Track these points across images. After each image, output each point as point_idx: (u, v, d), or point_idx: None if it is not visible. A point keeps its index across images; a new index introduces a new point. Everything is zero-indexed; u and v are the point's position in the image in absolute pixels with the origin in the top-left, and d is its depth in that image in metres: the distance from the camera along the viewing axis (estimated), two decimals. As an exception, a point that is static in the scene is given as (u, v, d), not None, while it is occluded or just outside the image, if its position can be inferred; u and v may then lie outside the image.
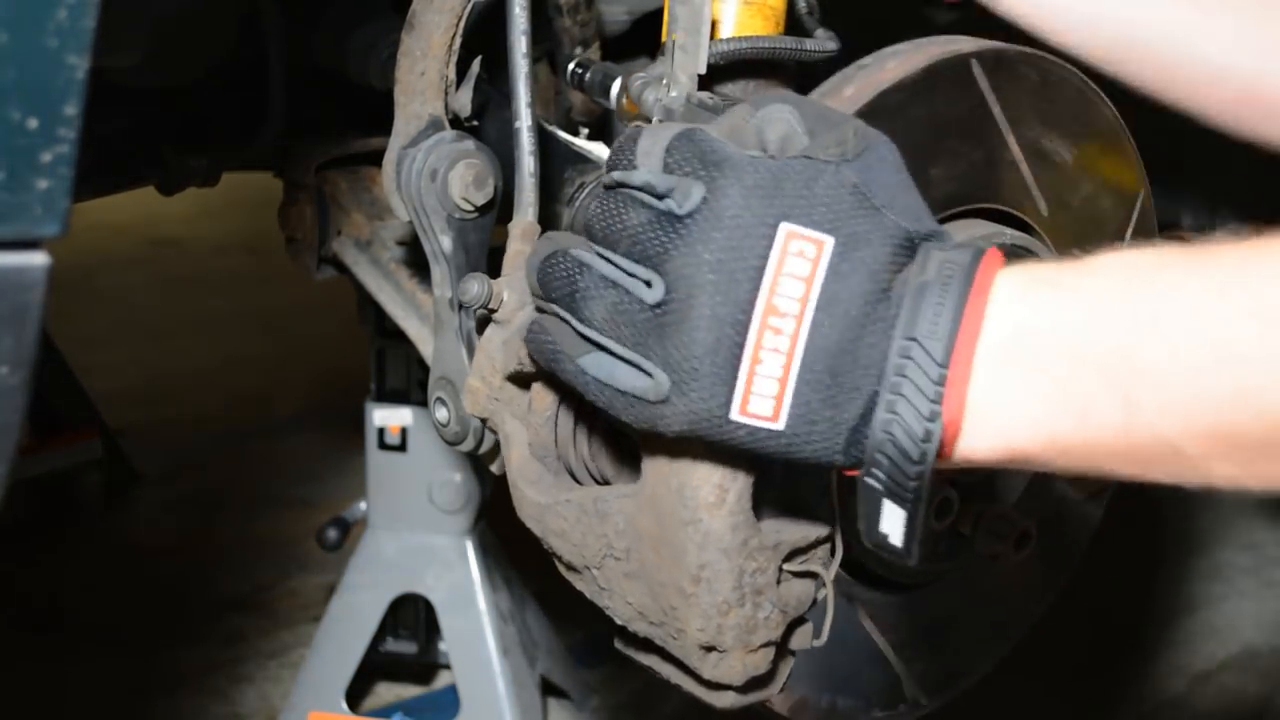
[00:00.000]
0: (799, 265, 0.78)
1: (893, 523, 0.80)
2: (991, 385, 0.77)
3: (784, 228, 0.78)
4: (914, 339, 0.77)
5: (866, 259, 0.79)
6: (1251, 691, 2.52)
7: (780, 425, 0.79)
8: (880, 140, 0.83)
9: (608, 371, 0.84)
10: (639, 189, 0.83)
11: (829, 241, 0.78)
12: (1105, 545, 1.40)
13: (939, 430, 0.76)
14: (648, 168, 0.84)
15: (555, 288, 0.86)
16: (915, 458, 0.77)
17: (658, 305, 0.81)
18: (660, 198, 0.82)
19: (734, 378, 0.79)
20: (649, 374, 0.82)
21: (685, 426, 0.82)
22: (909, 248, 0.80)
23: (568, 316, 0.86)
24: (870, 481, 0.79)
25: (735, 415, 0.80)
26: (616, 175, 0.85)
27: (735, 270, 0.78)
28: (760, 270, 0.78)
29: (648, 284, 0.82)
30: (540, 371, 1.01)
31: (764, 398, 0.79)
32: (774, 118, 0.83)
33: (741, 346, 0.78)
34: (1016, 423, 0.77)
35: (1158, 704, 2.46)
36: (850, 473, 0.82)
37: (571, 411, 1.03)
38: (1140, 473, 0.77)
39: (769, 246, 0.78)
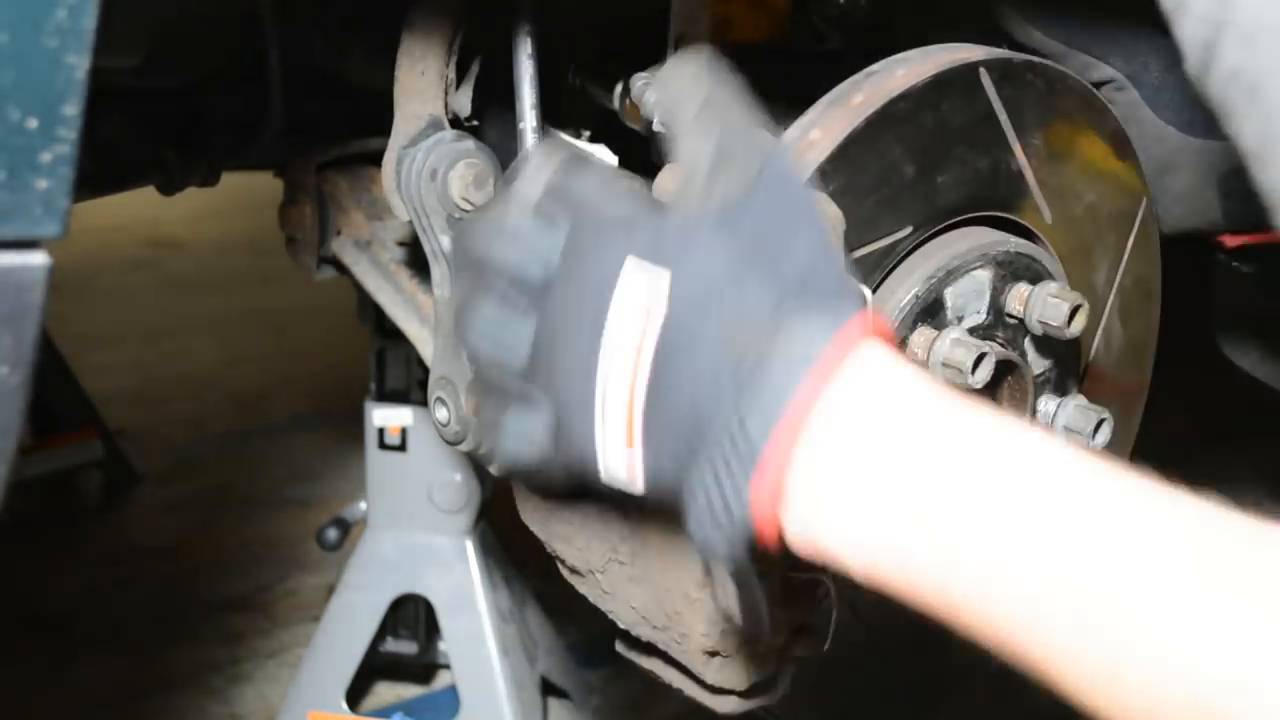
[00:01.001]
0: (636, 302, 0.76)
1: (728, 594, 0.78)
2: (821, 491, 0.72)
3: (628, 264, 0.77)
4: (740, 415, 0.73)
5: (713, 314, 0.75)
6: (1251, 692, 2.51)
7: (639, 471, 0.78)
8: (771, 187, 0.79)
9: (508, 450, 0.83)
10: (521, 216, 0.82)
11: (664, 279, 0.76)
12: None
13: (746, 513, 0.73)
14: (534, 188, 0.83)
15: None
16: (725, 536, 0.74)
17: (535, 351, 0.80)
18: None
19: (592, 413, 0.78)
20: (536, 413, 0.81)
21: (575, 470, 0.81)
22: (773, 304, 0.75)
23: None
24: (695, 544, 0.77)
25: (602, 468, 0.79)
26: (508, 193, 0.84)
27: (584, 307, 0.77)
28: (605, 307, 0.77)
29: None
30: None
31: (617, 447, 0.78)
32: (692, 151, 0.81)
33: (592, 380, 0.77)
34: (831, 533, 0.72)
35: (1158, 704, 2.46)
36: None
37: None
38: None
39: (614, 285, 0.77)
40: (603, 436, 0.78)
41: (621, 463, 0.78)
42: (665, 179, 1.02)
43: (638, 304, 0.76)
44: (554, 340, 0.79)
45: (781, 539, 0.74)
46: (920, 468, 0.70)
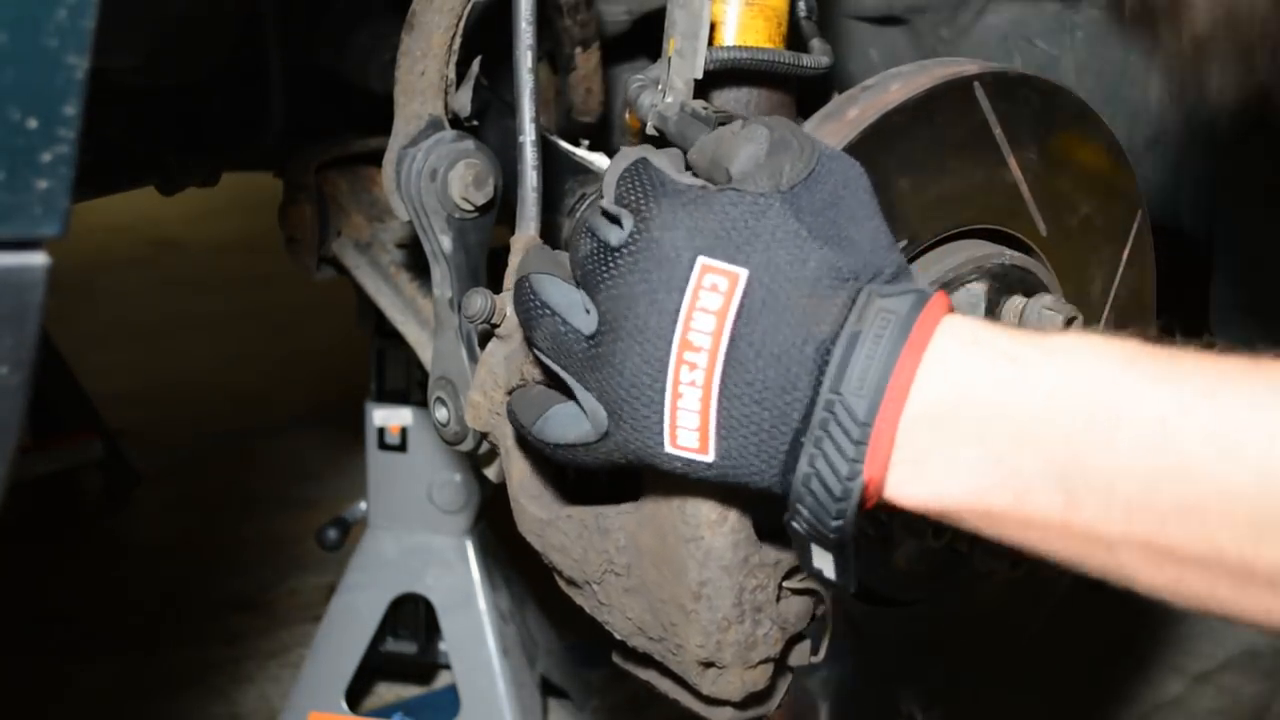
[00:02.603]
0: (712, 299, 0.77)
1: (823, 561, 0.80)
2: (927, 447, 0.75)
3: (700, 261, 0.78)
4: (839, 394, 0.75)
5: (788, 292, 0.77)
6: (1251, 691, 2.51)
7: (710, 458, 0.79)
8: (832, 168, 0.81)
9: (558, 432, 0.85)
10: (604, 214, 0.85)
11: (742, 275, 0.77)
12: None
13: (858, 489, 0.75)
14: (609, 195, 0.85)
15: (518, 312, 0.88)
16: (833, 513, 0.76)
17: (592, 336, 0.82)
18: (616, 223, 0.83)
19: (661, 411, 0.79)
20: (586, 412, 0.83)
21: (631, 457, 0.82)
22: (845, 282, 0.78)
23: (528, 337, 0.88)
24: (795, 525, 0.79)
25: (668, 448, 0.80)
26: (598, 198, 0.88)
27: (655, 304, 0.79)
28: (677, 305, 0.78)
29: (588, 311, 0.83)
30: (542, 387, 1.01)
31: (689, 431, 0.79)
32: (750, 137, 0.83)
33: (664, 381, 0.78)
34: (949, 487, 0.75)
35: (1157, 705, 2.46)
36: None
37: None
38: (1071, 562, 0.75)
39: (686, 280, 0.78)
40: (671, 411, 0.79)
41: (693, 437, 0.79)
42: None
43: (713, 290, 0.78)
44: (617, 332, 0.80)
45: (876, 500, 0.77)
46: (1027, 408, 0.73)
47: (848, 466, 0.75)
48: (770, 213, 0.79)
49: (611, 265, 0.81)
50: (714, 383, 0.77)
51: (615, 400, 0.80)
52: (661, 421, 0.79)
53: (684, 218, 0.80)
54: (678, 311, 0.78)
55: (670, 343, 0.78)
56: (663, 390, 0.78)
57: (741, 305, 0.77)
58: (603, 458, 0.84)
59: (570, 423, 0.85)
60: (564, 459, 0.87)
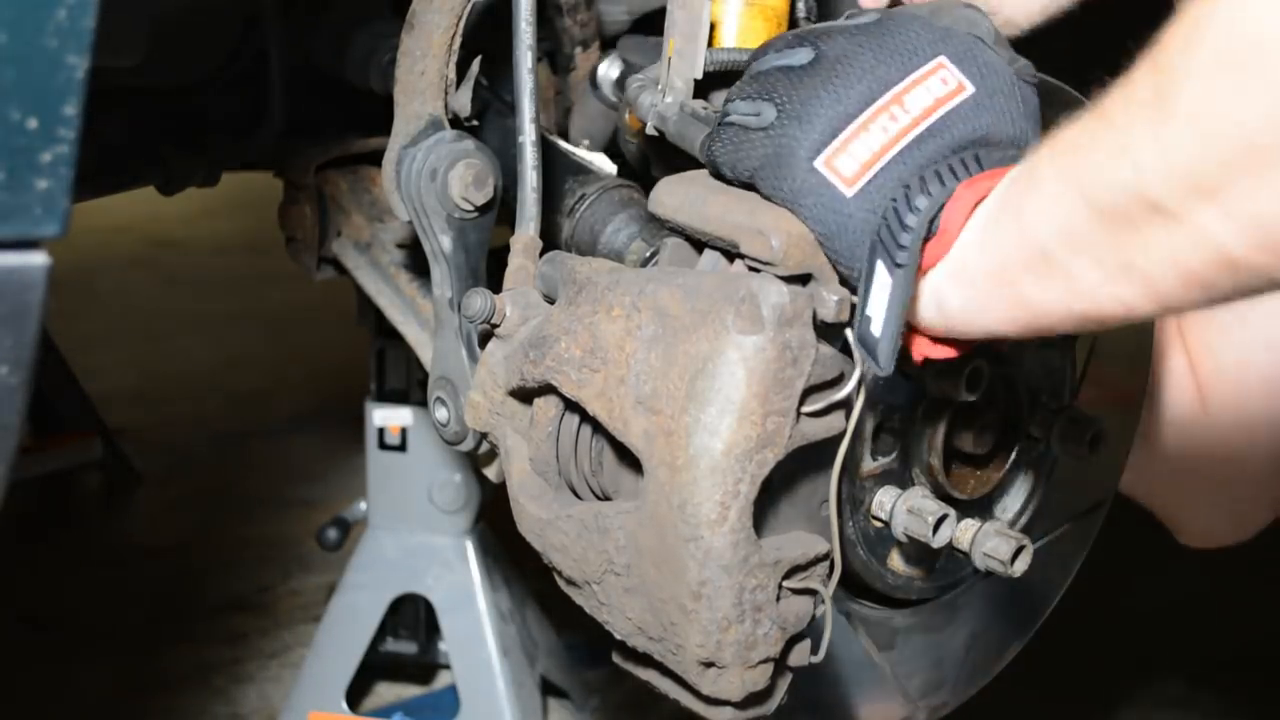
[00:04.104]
0: (936, 86, 0.93)
1: (878, 303, 0.89)
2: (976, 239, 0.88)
3: (940, 57, 0.94)
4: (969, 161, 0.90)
5: (982, 118, 0.93)
6: (1251, 692, 2.52)
7: (850, 192, 0.91)
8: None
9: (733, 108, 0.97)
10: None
11: (969, 89, 0.93)
12: (1103, 546, 1.40)
13: (942, 198, 0.88)
14: None
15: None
16: (909, 224, 0.88)
17: (805, 65, 0.94)
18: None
19: (835, 129, 0.92)
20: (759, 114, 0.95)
21: (769, 153, 0.93)
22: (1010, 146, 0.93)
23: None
24: (874, 258, 0.90)
25: (817, 163, 0.92)
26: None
27: (890, 60, 0.93)
28: (908, 70, 0.93)
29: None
30: (542, 387, 1.01)
31: (854, 160, 0.91)
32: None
33: (858, 112, 0.92)
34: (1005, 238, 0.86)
35: (1157, 705, 2.46)
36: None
37: (573, 427, 1.03)
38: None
39: (923, 61, 0.93)
40: (849, 136, 0.92)
41: (854, 165, 0.91)
42: (662, 189, 1.02)
43: (942, 82, 0.93)
44: (840, 63, 0.93)
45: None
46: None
47: (939, 189, 0.88)
48: (997, 60, 0.96)
49: (850, 28, 0.96)
50: (902, 140, 0.91)
51: (800, 100, 0.93)
52: (830, 137, 0.91)
53: (932, 26, 0.95)
54: (907, 73, 0.92)
55: (886, 90, 0.92)
56: (850, 117, 0.91)
57: (953, 106, 0.92)
58: (738, 151, 0.96)
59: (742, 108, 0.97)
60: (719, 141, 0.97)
